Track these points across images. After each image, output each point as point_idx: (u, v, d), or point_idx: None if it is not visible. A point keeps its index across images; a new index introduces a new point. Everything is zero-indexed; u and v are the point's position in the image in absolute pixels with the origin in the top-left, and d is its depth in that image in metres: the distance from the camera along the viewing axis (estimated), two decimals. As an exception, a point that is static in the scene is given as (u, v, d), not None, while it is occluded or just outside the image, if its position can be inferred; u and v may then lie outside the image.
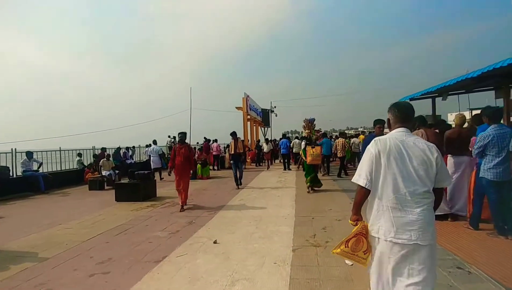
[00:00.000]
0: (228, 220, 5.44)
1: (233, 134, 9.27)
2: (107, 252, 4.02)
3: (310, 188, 7.97)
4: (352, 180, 1.95)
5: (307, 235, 4.41)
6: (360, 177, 1.87)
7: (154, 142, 12.88)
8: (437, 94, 9.48)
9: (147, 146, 15.11)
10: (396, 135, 1.88)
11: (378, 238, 1.83)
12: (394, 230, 1.75)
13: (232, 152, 9.15)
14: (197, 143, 18.16)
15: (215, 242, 4.21)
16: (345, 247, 1.92)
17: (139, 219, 5.72)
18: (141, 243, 4.35)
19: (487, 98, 15.46)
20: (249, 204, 6.72)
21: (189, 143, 7.05)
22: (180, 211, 6.24)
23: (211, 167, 14.43)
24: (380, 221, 1.82)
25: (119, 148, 14.09)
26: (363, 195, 1.89)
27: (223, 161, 15.91)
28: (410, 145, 1.81)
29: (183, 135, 6.83)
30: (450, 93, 9.29)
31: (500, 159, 3.60)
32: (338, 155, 11.58)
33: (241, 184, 9.26)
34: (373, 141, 1.88)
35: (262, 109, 25.53)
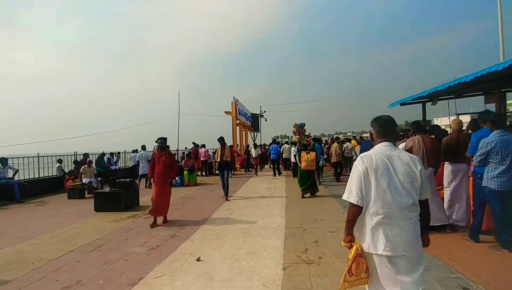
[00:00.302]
0: (213, 232, 5.07)
1: (221, 140, 8.39)
2: (77, 273, 3.60)
3: (303, 194, 7.95)
4: (342, 198, 1.92)
5: (299, 249, 4.09)
6: (351, 194, 1.87)
7: (143, 147, 12.32)
8: (427, 99, 9.40)
9: (133, 151, 14.56)
10: (380, 150, 1.91)
11: (370, 253, 1.84)
12: (384, 243, 1.77)
13: (218, 160, 8.25)
14: (185, 148, 17.67)
15: (198, 260, 3.84)
16: (350, 276, 1.84)
17: (117, 232, 5.30)
18: (117, 260, 3.95)
19: (472, 105, 15.62)
20: (236, 215, 6.36)
21: (171, 149, 6.45)
22: (163, 223, 5.84)
23: (199, 173, 14.02)
24: (370, 237, 1.83)
25: (103, 154, 13.52)
26: (355, 212, 1.88)
27: (211, 167, 15.50)
28: (395, 159, 1.85)
29: (163, 141, 6.07)
30: (440, 98, 9.23)
31: (504, 167, 3.37)
32: (332, 160, 11.37)
33: (227, 198, 8.18)
34: (359, 157, 1.92)
35: (251, 113, 25.26)
